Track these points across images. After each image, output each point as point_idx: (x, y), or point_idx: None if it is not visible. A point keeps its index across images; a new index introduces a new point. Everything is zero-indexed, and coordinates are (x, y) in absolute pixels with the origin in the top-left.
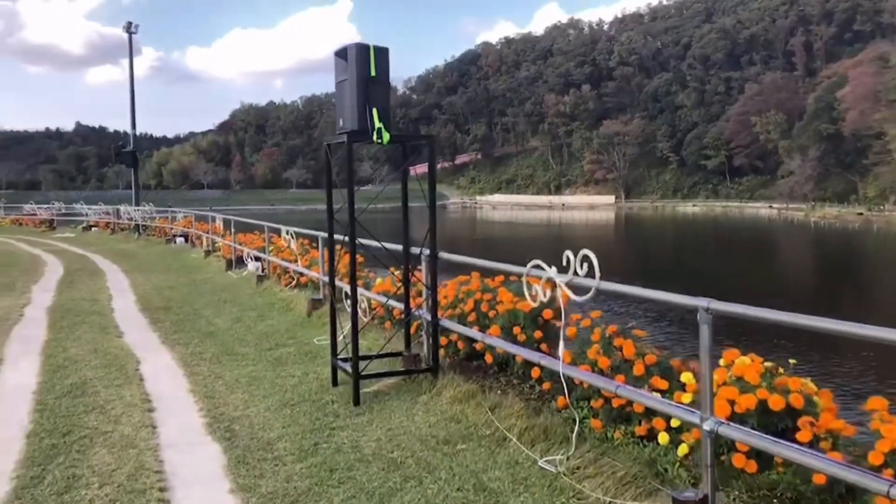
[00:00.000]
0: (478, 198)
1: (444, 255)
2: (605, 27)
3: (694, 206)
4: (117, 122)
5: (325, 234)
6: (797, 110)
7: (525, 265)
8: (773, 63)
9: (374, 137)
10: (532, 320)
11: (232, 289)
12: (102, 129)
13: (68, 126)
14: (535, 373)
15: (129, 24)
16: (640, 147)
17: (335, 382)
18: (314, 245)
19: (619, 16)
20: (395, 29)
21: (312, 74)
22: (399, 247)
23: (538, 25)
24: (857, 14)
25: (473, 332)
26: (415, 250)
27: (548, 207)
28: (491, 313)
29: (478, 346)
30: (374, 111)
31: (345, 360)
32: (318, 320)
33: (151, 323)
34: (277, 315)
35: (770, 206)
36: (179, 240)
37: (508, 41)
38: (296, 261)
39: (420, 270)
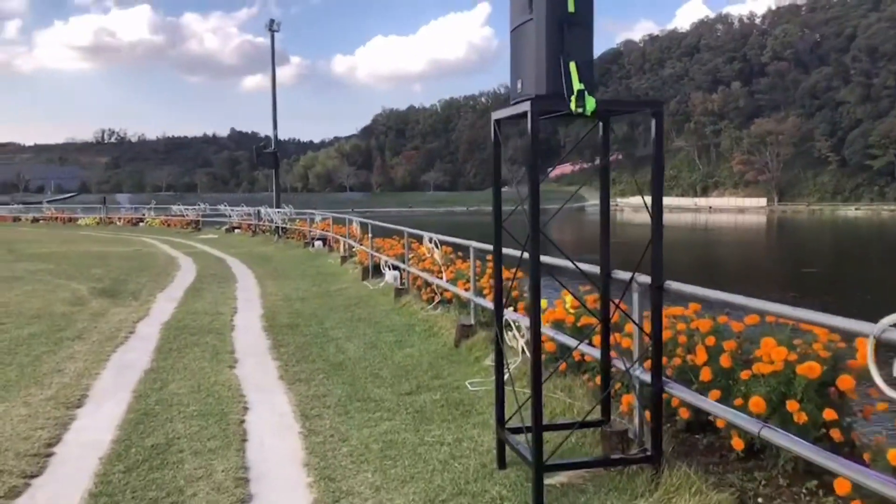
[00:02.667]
0: (619, 200)
1: (673, 284)
2: (758, 21)
3: (857, 209)
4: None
5: (477, 244)
6: None
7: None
8: None
9: (573, 105)
10: (817, 390)
11: (367, 303)
12: (255, 135)
13: (223, 132)
14: (841, 486)
15: (272, 21)
16: (796, 147)
17: (502, 464)
18: (460, 255)
19: (774, 8)
20: None
21: (450, 78)
22: (592, 267)
23: (680, 23)
24: None
25: (728, 412)
26: (621, 274)
27: (693, 210)
28: (743, 374)
29: (719, 423)
30: (573, 66)
31: (515, 430)
32: (467, 353)
33: (273, 347)
34: (419, 341)
35: None
36: (318, 243)
37: (652, 38)
38: (440, 273)
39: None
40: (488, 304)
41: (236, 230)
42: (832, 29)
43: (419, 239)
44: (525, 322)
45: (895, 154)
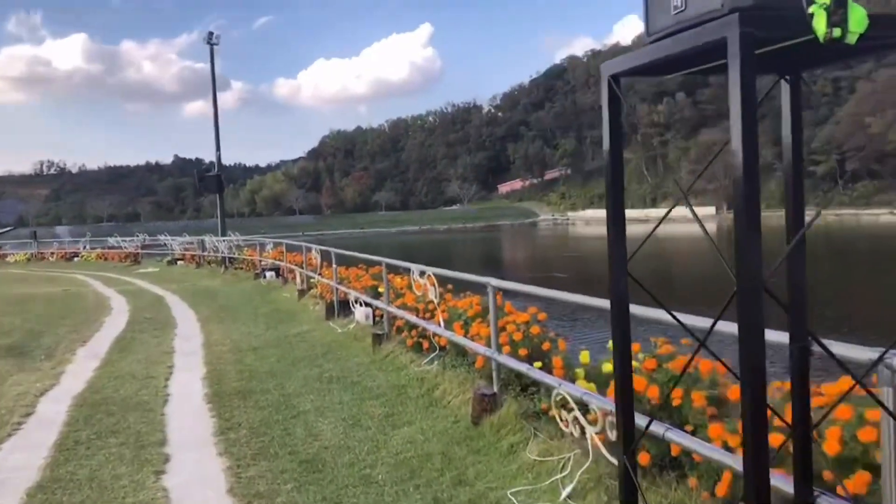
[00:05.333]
0: (569, 214)
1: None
2: None
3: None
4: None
5: (497, 281)
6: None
7: None
8: (886, 60)
9: (820, 25)
10: None
11: (338, 353)
12: (199, 161)
13: (167, 159)
14: None
15: (211, 34)
16: None
17: None
18: (448, 288)
19: None
20: (474, 51)
21: (395, 99)
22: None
23: (618, 38)
24: None
25: None
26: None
27: (644, 221)
28: None
29: None
30: None
31: None
32: (494, 435)
33: (219, 431)
34: (418, 415)
35: (892, 212)
36: (269, 274)
37: (595, 53)
38: (430, 315)
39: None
40: (518, 365)
41: (179, 262)
42: None
43: (397, 270)
44: (598, 402)
45: (837, 160)
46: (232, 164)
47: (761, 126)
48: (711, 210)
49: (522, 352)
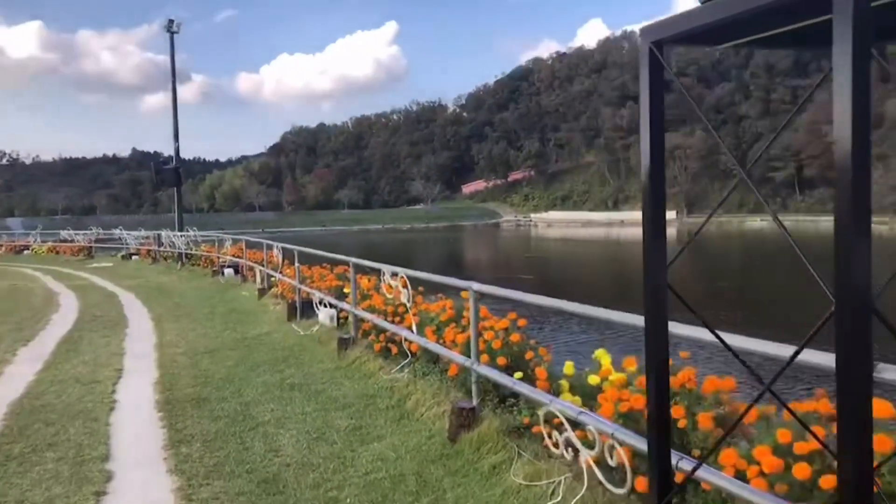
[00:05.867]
0: (532, 215)
1: None
2: None
3: (762, 220)
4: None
5: (478, 286)
6: (874, 118)
7: None
8: None
9: None
10: None
11: (300, 357)
12: (157, 154)
13: (124, 152)
14: None
15: (171, 22)
16: (702, 160)
17: None
18: (418, 290)
19: None
20: (439, 50)
21: (359, 96)
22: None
23: (581, 42)
24: None
25: None
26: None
27: (606, 224)
28: None
29: None
30: None
31: None
32: (474, 454)
33: (170, 444)
34: (389, 428)
35: None
36: (228, 271)
37: (560, 56)
38: (400, 319)
39: None
40: (501, 378)
41: (134, 257)
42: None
43: (366, 270)
44: (597, 423)
45: (795, 167)
46: (191, 159)
47: (722, 132)
48: (672, 214)
49: (501, 361)
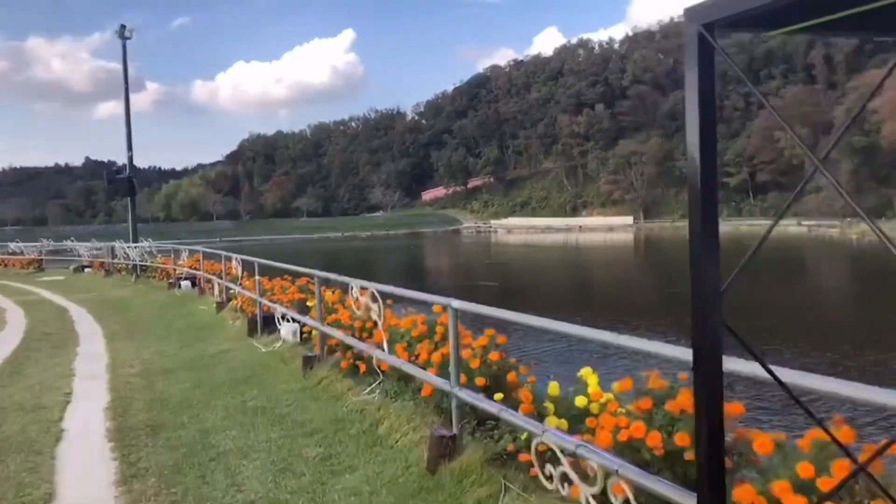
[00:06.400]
0: (492, 222)
1: None
2: (616, 46)
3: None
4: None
5: (458, 303)
6: (822, 124)
7: None
8: (792, 77)
9: None
10: None
11: (263, 377)
12: (111, 163)
13: (77, 161)
14: None
15: (123, 27)
16: (658, 166)
17: None
18: (386, 304)
19: (630, 34)
20: (397, 58)
21: (317, 104)
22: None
23: (538, 50)
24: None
25: None
26: None
27: (565, 230)
28: None
29: None
30: None
31: None
32: (456, 486)
33: (122, 479)
34: (362, 458)
35: (799, 224)
36: (185, 284)
37: (517, 63)
38: (368, 335)
39: None
40: (487, 404)
41: (87, 269)
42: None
43: (330, 283)
44: (600, 458)
45: (749, 172)
46: (147, 168)
47: (677, 138)
48: (629, 220)
49: (480, 381)
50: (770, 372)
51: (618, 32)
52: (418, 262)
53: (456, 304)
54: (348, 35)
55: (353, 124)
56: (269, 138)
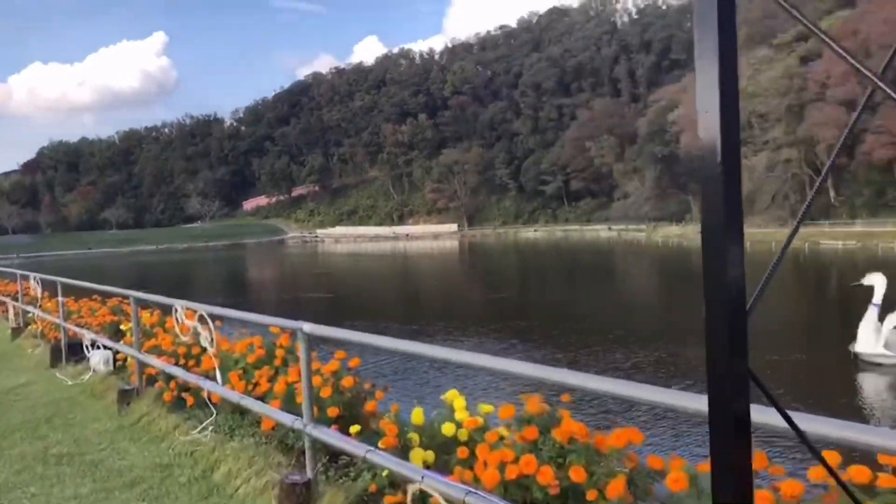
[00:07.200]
0: (318, 231)
1: None
2: (437, 57)
3: (535, 231)
4: None
5: (309, 326)
6: (627, 134)
7: None
8: (600, 90)
9: None
10: None
11: (69, 415)
12: None
13: None
14: None
15: None
16: (480, 175)
17: None
18: (219, 325)
19: (449, 45)
20: (212, 63)
21: (126, 109)
22: None
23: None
24: (672, 44)
25: None
26: None
27: (392, 238)
28: None
29: None
30: None
31: None
32: None
33: None
34: None
35: (610, 228)
36: None
37: (339, 71)
38: (195, 362)
39: None
40: (346, 444)
41: None
42: (502, 66)
43: (148, 305)
44: None
45: (563, 180)
46: None
47: (496, 147)
48: (454, 227)
49: (332, 412)
50: (789, 420)
51: (437, 44)
52: (242, 275)
53: (308, 327)
54: (160, 38)
55: (166, 130)
56: (72, 145)
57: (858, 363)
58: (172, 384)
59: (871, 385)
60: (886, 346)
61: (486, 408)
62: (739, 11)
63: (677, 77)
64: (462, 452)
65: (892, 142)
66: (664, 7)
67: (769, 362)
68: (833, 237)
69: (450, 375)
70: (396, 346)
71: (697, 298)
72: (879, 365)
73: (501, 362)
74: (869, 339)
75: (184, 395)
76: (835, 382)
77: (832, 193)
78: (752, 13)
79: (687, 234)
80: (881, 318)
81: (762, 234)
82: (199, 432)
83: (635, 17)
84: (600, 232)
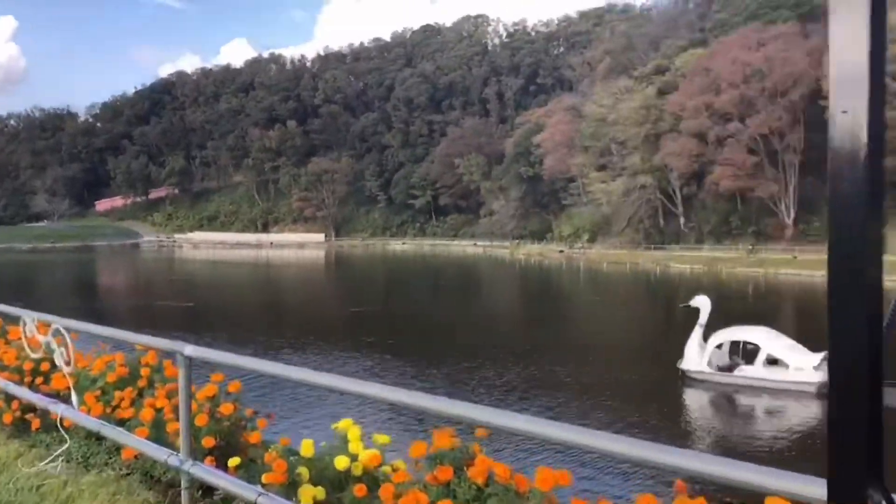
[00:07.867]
0: (176, 236)
1: None
2: (308, 64)
3: (403, 243)
4: None
5: (179, 346)
6: (495, 154)
7: None
8: (470, 109)
9: None
10: None
11: None
12: None
13: None
14: None
15: None
16: (350, 185)
17: None
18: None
19: (322, 53)
20: (68, 54)
21: None
22: None
23: (225, 60)
24: (539, 69)
25: None
26: None
27: (256, 246)
28: None
29: None
30: None
31: None
32: None
33: None
34: None
35: (475, 244)
36: None
37: (206, 72)
38: (43, 380)
39: None
40: (235, 486)
41: None
42: (375, 78)
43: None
44: None
45: (432, 195)
46: None
47: (367, 159)
48: (321, 237)
49: (208, 442)
50: None
51: (309, 51)
52: (93, 279)
53: (189, 350)
54: (8, 22)
55: (12, 122)
56: None
57: (686, 379)
58: (14, 404)
59: (694, 399)
60: (709, 363)
61: (382, 438)
62: (602, 42)
63: (543, 101)
64: (360, 490)
65: (736, 174)
66: (533, 34)
67: (614, 378)
68: (681, 261)
69: (319, 392)
70: (290, 374)
71: (558, 315)
72: (703, 381)
73: (405, 394)
74: (694, 357)
75: (28, 416)
76: (663, 397)
77: (682, 220)
78: (614, 44)
79: (547, 253)
80: (705, 338)
81: (616, 255)
82: (49, 463)
83: (506, 40)
84: (466, 248)
